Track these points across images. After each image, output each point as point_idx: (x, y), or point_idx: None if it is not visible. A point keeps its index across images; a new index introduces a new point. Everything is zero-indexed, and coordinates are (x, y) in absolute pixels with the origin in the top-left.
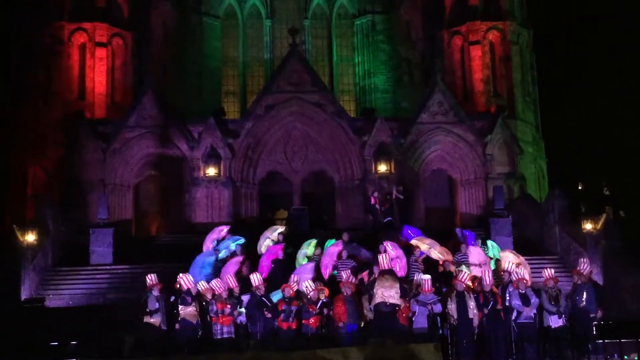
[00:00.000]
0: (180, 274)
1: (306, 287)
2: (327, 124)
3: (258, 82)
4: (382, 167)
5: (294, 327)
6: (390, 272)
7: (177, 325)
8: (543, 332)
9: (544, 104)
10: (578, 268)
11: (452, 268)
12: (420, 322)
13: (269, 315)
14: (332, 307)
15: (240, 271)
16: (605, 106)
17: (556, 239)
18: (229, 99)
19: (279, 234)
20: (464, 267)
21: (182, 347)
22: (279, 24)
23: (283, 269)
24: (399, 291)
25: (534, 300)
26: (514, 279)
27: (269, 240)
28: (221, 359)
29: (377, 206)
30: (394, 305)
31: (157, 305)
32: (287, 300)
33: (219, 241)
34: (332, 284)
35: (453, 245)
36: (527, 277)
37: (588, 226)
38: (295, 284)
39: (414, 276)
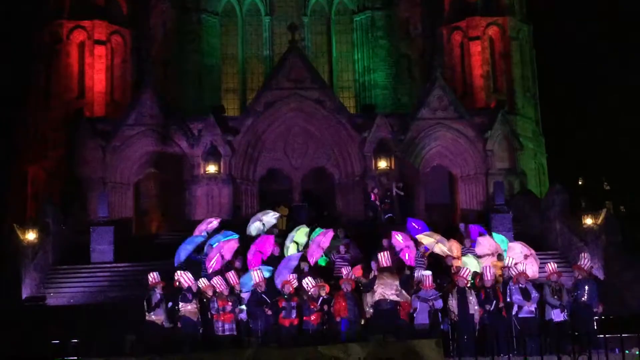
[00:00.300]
0: (179, 272)
1: (306, 283)
2: (327, 120)
3: (258, 79)
4: (382, 164)
5: (296, 323)
6: (389, 269)
7: (178, 323)
8: (544, 326)
9: (544, 100)
10: (579, 263)
11: (456, 263)
12: (422, 318)
13: (270, 313)
14: (332, 303)
15: (232, 263)
16: (606, 101)
17: (557, 234)
18: (229, 97)
19: (275, 218)
20: (470, 257)
21: (183, 344)
22: (278, 21)
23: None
24: (399, 288)
25: (534, 295)
26: (514, 274)
27: (259, 222)
28: (223, 356)
29: (377, 203)
30: (394, 303)
31: (156, 303)
32: (286, 297)
33: (210, 235)
34: (321, 272)
35: (458, 240)
36: (532, 270)
37: (588, 221)
38: (294, 280)
39: (416, 272)
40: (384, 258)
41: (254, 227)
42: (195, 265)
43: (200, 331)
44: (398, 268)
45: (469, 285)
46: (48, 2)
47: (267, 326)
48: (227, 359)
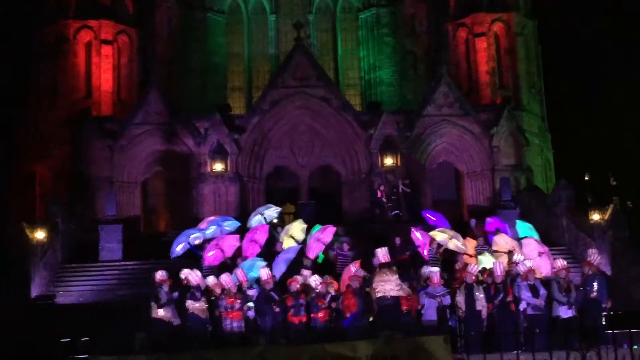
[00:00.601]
0: (186, 270)
1: (314, 281)
2: (333, 118)
3: (263, 78)
4: (389, 161)
5: (305, 320)
6: (388, 266)
7: (186, 321)
8: (552, 322)
9: (549, 96)
10: (588, 259)
11: (470, 261)
12: (430, 314)
13: (278, 310)
14: (341, 300)
15: (234, 261)
16: (612, 96)
17: (563, 230)
18: (235, 95)
19: (276, 212)
20: (487, 255)
21: (192, 341)
22: (284, 19)
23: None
24: (399, 283)
25: (542, 292)
26: (522, 270)
27: (260, 216)
28: (232, 354)
29: (384, 200)
30: (395, 298)
31: (167, 300)
32: (294, 294)
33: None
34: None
35: (470, 236)
36: (546, 268)
37: (595, 217)
38: (301, 277)
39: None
40: (382, 254)
41: (255, 220)
42: (196, 259)
43: (209, 329)
44: (415, 264)
45: (476, 281)
46: (49, 1)
47: (275, 323)
48: (236, 356)
